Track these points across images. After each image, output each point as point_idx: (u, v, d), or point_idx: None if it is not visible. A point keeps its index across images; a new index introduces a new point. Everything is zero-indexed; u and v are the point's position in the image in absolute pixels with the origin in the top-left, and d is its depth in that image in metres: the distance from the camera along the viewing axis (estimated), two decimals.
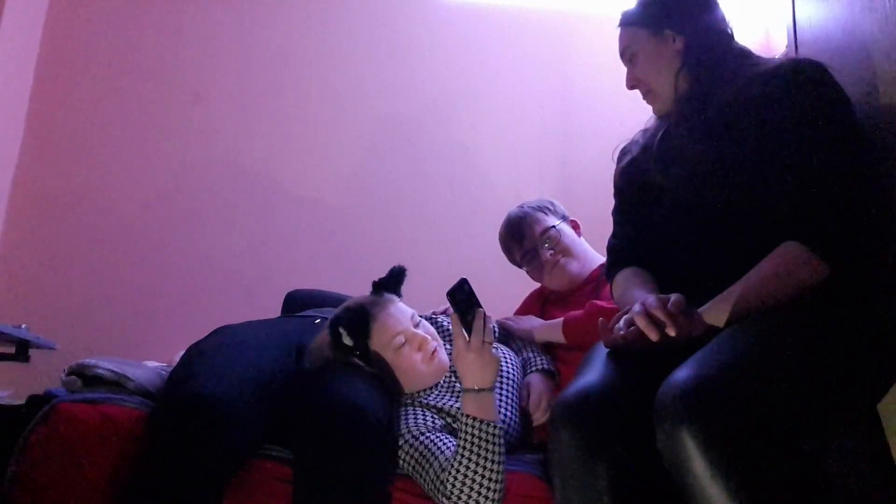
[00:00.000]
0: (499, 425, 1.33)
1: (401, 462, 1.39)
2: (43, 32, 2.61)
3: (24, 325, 1.78)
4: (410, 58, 2.76)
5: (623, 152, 1.52)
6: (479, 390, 1.32)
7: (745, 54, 1.35)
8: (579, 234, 1.94)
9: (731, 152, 1.22)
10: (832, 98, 1.18)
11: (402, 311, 1.55)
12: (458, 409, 1.45)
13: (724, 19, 1.39)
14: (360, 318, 1.50)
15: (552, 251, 1.86)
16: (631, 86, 1.43)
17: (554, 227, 1.88)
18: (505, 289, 2.47)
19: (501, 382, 1.59)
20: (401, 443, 1.39)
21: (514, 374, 1.64)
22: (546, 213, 1.91)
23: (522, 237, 1.89)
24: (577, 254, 1.87)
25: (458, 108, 2.74)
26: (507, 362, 1.65)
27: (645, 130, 1.47)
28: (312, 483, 1.33)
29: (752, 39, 2.59)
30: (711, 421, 0.85)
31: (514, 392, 1.60)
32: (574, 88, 2.78)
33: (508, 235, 1.93)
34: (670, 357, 1.12)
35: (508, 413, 1.55)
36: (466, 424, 1.31)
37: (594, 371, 1.12)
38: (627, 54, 1.43)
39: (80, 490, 1.37)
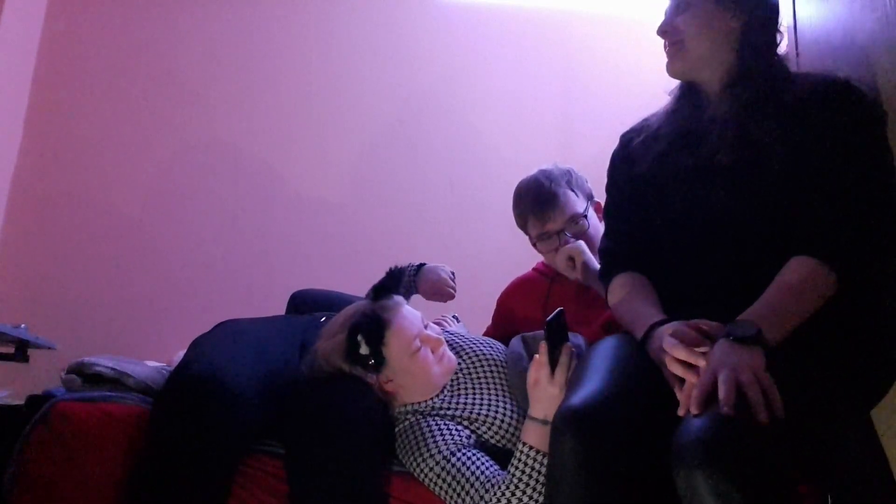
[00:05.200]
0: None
1: (429, 483, 1.36)
2: (43, 32, 2.61)
3: (23, 325, 1.77)
4: (410, 57, 2.76)
5: (631, 135, 1.45)
6: (545, 422, 1.31)
7: (785, 63, 1.33)
8: (601, 219, 1.73)
9: (760, 159, 1.21)
10: (866, 119, 1.19)
11: (413, 315, 1.52)
12: (479, 413, 1.45)
13: (776, 23, 1.36)
14: (377, 325, 1.46)
15: (575, 239, 1.67)
16: (663, 31, 1.34)
17: (584, 215, 1.70)
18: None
19: (488, 370, 1.55)
20: (431, 464, 1.36)
21: (500, 360, 1.59)
22: (577, 195, 1.72)
23: (548, 218, 1.69)
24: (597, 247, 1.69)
25: (458, 108, 2.74)
26: (490, 347, 1.61)
27: (666, 113, 1.39)
28: (303, 483, 1.33)
29: None
30: (723, 467, 0.89)
31: (504, 379, 1.55)
32: (574, 88, 2.78)
33: (532, 208, 1.72)
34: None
35: (502, 405, 1.49)
36: (527, 455, 1.30)
37: (598, 377, 1.13)
38: (684, 3, 1.33)
39: (80, 489, 1.37)
